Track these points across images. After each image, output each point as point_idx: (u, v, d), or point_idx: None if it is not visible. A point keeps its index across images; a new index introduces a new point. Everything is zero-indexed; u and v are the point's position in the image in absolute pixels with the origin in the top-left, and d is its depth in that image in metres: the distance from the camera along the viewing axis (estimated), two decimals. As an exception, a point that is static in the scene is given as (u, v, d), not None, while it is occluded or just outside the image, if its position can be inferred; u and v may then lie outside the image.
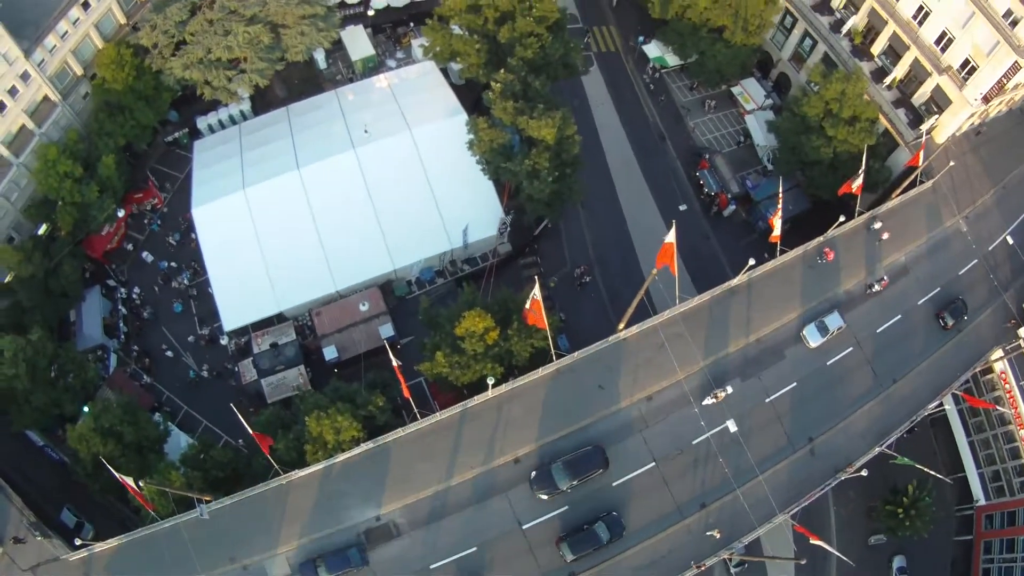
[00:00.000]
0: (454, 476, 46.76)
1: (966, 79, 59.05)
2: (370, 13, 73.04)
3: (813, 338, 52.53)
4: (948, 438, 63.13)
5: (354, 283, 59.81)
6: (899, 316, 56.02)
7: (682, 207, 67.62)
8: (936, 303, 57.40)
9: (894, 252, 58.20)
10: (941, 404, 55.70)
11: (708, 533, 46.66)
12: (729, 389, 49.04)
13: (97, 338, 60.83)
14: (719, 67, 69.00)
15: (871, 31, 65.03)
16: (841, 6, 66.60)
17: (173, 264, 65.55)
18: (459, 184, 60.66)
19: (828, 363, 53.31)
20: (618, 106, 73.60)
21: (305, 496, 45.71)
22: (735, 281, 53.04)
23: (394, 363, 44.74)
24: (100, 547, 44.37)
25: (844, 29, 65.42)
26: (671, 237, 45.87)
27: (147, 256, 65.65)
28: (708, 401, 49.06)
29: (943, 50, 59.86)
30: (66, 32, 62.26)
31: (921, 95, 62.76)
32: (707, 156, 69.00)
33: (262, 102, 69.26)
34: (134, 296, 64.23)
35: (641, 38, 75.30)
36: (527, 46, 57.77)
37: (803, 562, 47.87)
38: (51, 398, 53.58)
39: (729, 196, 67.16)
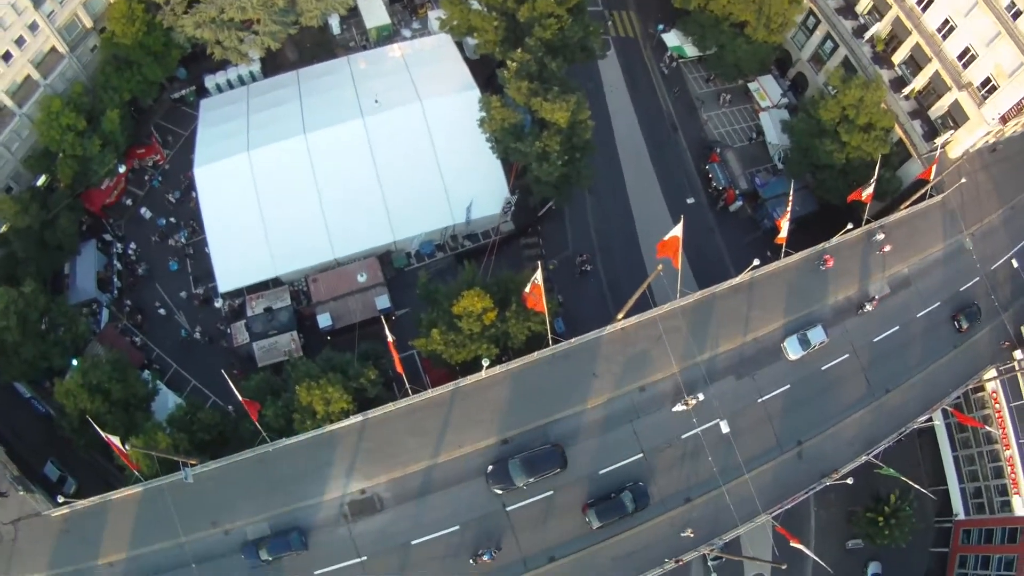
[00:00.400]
0: (441, 454, 46.50)
1: (985, 97, 58.43)
2: (389, -16, 72.29)
3: (793, 350, 51.94)
4: (933, 450, 63.19)
5: (353, 252, 59.31)
6: (897, 327, 55.77)
7: (690, 200, 67.10)
8: (934, 318, 57.11)
9: (898, 263, 57.91)
10: (930, 417, 55.57)
11: (683, 533, 46.55)
12: (701, 396, 48.46)
13: (90, 292, 60.34)
14: (738, 62, 68.25)
15: (893, 39, 64.31)
16: (865, 12, 65.84)
17: (172, 220, 64.97)
18: (466, 160, 59.92)
19: (823, 368, 53.12)
20: (632, 93, 72.81)
21: (291, 464, 45.38)
22: (737, 279, 52.69)
23: (388, 338, 44.36)
24: (82, 504, 44.14)
25: (867, 35, 64.67)
26: (678, 231, 45.49)
27: (145, 212, 64.99)
28: (679, 408, 48.46)
29: (965, 66, 59.18)
30: (77, -17, 61.52)
31: (938, 109, 62.14)
32: (718, 150, 68.39)
33: (272, 64, 68.50)
34: (130, 252, 63.65)
35: (661, 26, 74.54)
36: (546, 26, 56.87)
37: (784, 567, 47.76)
38: (40, 351, 53.24)
39: (737, 192, 66.60)
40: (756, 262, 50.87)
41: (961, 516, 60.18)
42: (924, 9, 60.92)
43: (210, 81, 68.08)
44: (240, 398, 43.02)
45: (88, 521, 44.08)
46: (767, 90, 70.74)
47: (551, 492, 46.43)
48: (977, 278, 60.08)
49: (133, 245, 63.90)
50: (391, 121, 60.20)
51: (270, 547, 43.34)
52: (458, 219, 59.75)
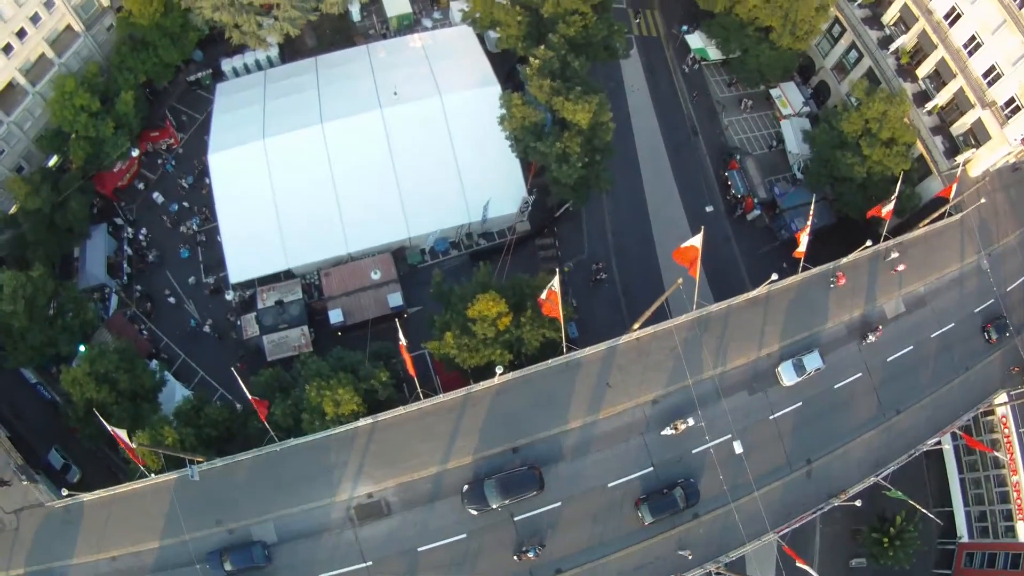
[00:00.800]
0: (451, 460, 45.96)
1: (1009, 117, 57.81)
2: (413, -30, 71.07)
3: (788, 376, 50.56)
4: (940, 470, 63.10)
5: (367, 247, 58.70)
6: (911, 347, 55.28)
7: (709, 208, 66.44)
8: (945, 339, 56.58)
9: (914, 281, 57.32)
10: (939, 440, 55.33)
11: (679, 552, 46.13)
12: (691, 421, 47.60)
13: (100, 277, 59.83)
14: (761, 67, 67.27)
15: (919, 52, 63.53)
16: (892, 23, 64.99)
17: (185, 204, 64.29)
18: (484, 157, 59.15)
19: (835, 386, 52.62)
20: (653, 94, 71.91)
21: (298, 465, 44.85)
22: (755, 292, 52.12)
23: (401, 341, 43.80)
24: (86, 497, 43.68)
25: (892, 47, 63.83)
26: (698, 241, 44.83)
27: (157, 197, 64.23)
28: (667, 432, 47.68)
29: (990, 84, 58.50)
30: (95, -39, 60.57)
31: (961, 126, 61.50)
32: (738, 157, 67.60)
33: (290, 49, 67.52)
34: (141, 237, 62.92)
35: (685, 27, 73.60)
36: (570, 23, 56.06)
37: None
38: (48, 337, 52.81)
39: (755, 200, 65.91)
40: (774, 276, 50.33)
41: (965, 539, 60.14)
42: (951, 24, 60.26)
43: (227, 65, 67.13)
44: (249, 396, 42.53)
45: (91, 513, 43.66)
46: (789, 97, 69.81)
47: (559, 503, 45.94)
48: (992, 300, 59.54)
49: (144, 231, 63.18)
50: (410, 114, 59.44)
51: (232, 558, 42.63)
52: (474, 217, 59.02)
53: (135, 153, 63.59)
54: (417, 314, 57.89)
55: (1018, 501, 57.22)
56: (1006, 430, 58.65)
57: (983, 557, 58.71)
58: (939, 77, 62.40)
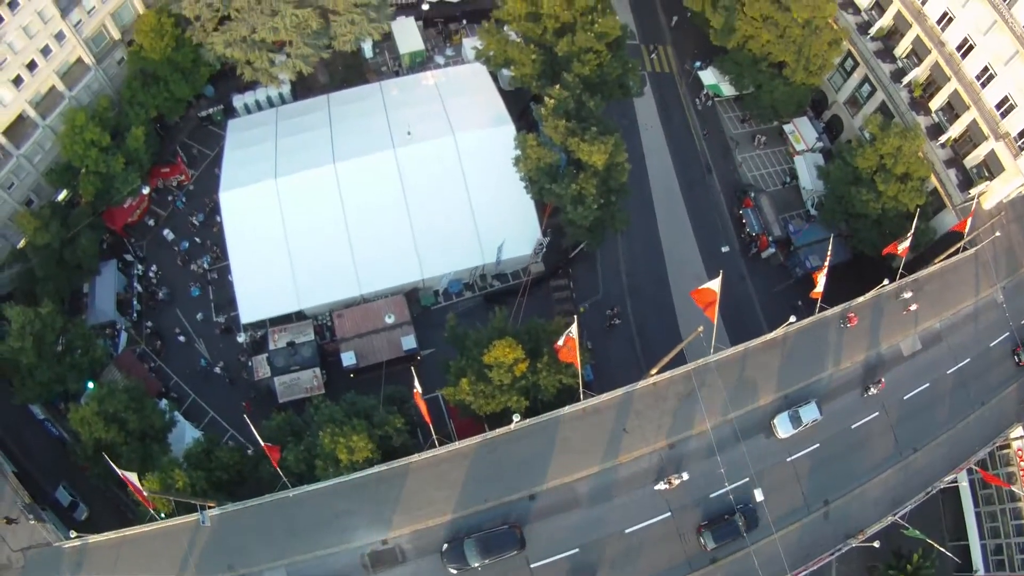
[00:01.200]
0: (467, 507, 45.18)
1: (1023, 148, 57.49)
2: (425, 7, 70.79)
3: (784, 428, 49.47)
4: (955, 503, 62.37)
5: (380, 288, 58.20)
6: (928, 384, 54.77)
7: (725, 249, 66.02)
8: (961, 375, 55.95)
9: (930, 318, 56.75)
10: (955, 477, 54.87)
11: None
12: (685, 476, 46.77)
13: (109, 314, 59.42)
14: (775, 103, 67.07)
15: (931, 85, 63.39)
16: (904, 55, 64.85)
17: (197, 240, 63.95)
18: (498, 197, 58.80)
19: (853, 426, 52.02)
20: (667, 131, 71.73)
21: (311, 511, 44.13)
22: (771, 335, 51.68)
23: (415, 389, 43.33)
24: (94, 539, 42.97)
25: (905, 80, 63.65)
26: (716, 285, 44.62)
27: (168, 234, 63.86)
28: (661, 486, 46.82)
29: (1003, 115, 58.31)
30: (107, -6, 60.33)
31: (974, 158, 61.26)
32: (752, 195, 67.19)
33: (302, 86, 67.17)
34: (151, 274, 62.52)
35: (697, 63, 73.47)
36: (585, 62, 55.83)
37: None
38: (56, 374, 52.46)
39: (770, 238, 65.45)
40: (792, 319, 49.90)
41: (981, 572, 59.24)
42: (964, 55, 60.16)
43: (238, 101, 66.98)
44: (261, 443, 42.02)
45: (100, 555, 42.93)
46: (802, 133, 69.53)
47: (576, 550, 45.23)
48: (1007, 333, 59.03)
49: (154, 268, 62.80)
50: (423, 154, 59.17)
51: None
52: (488, 259, 58.49)
53: (146, 191, 63.27)
54: (430, 356, 57.40)
55: (1034, 533, 56.73)
56: (1022, 463, 57.91)
57: (999, 591, 58.07)
58: (952, 109, 62.20)
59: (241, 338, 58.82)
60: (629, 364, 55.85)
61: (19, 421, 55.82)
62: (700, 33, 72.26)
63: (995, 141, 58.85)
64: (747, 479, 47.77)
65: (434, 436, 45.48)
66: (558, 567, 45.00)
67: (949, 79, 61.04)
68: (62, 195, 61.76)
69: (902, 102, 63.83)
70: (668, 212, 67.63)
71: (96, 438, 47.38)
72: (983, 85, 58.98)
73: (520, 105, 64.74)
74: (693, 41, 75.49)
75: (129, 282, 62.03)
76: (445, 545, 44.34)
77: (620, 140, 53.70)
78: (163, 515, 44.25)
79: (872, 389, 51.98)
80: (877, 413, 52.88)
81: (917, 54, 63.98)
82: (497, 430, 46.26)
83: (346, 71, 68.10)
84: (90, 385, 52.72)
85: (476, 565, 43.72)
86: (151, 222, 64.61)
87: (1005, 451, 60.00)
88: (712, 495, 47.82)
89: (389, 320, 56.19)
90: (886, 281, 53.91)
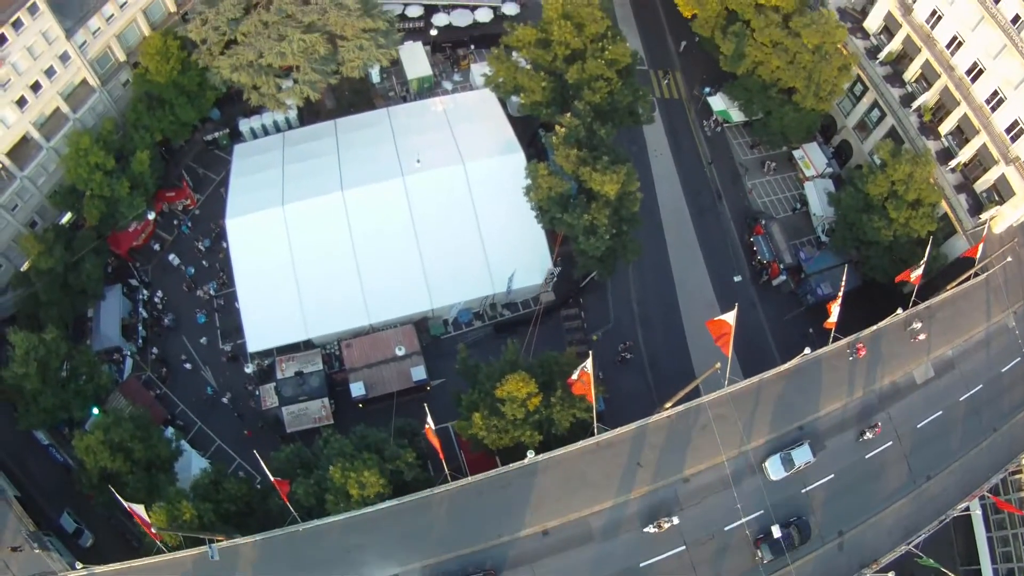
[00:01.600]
0: (479, 542, 44.65)
1: (1033, 173, 57.40)
2: (433, 33, 70.39)
3: (775, 471, 48.51)
4: (967, 528, 61.84)
5: (389, 318, 57.61)
6: (940, 412, 54.40)
7: (737, 278, 65.47)
8: (973, 402, 55.37)
9: (942, 345, 56.31)
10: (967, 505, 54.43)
11: None
12: (675, 520, 46.12)
13: (114, 339, 58.71)
14: (784, 129, 66.75)
15: (941, 109, 63.19)
16: (913, 80, 64.68)
17: (204, 263, 63.39)
18: (508, 226, 58.28)
19: (867, 456, 51.57)
20: (676, 158, 71.33)
21: (321, 545, 43.62)
22: (785, 367, 51.26)
23: (427, 424, 42.74)
24: (100, 570, 42.24)
25: (915, 104, 63.45)
26: (731, 318, 44.37)
27: (173, 259, 63.30)
28: (650, 529, 46.08)
29: (1013, 140, 58.15)
30: (112, 15, 60.21)
31: (984, 182, 61.03)
32: (763, 222, 66.73)
33: (309, 111, 66.59)
34: (156, 300, 61.87)
35: (707, 89, 73.15)
36: (595, 90, 55.55)
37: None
38: (60, 400, 51.86)
39: (781, 266, 64.91)
40: (807, 351, 49.49)
41: (993, 597, 58.82)
42: (974, 80, 59.94)
43: (244, 125, 66.45)
44: (270, 477, 41.46)
45: (103, 588, 42.25)
46: (812, 159, 69.23)
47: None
48: (1019, 358, 58.69)
49: (160, 293, 62.19)
50: (432, 182, 58.65)
51: None
52: (499, 289, 57.99)
53: (151, 216, 62.71)
54: (440, 386, 56.93)
55: (1046, 558, 56.29)
56: (1034, 488, 57.75)
57: (1011, 614, 57.59)
58: (962, 133, 62.08)
59: (249, 369, 58.12)
60: (641, 394, 55.30)
61: (23, 446, 55.07)
62: (709, 58, 72.05)
63: (1005, 165, 58.65)
64: (762, 511, 47.36)
65: (447, 472, 44.82)
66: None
67: (959, 103, 60.88)
68: (66, 218, 61.29)
69: (912, 127, 63.58)
70: (678, 239, 67.25)
71: (101, 467, 46.95)
72: (993, 109, 58.85)
73: (529, 132, 64.28)
74: (702, 66, 75.27)
75: (134, 307, 61.34)
76: None
77: (632, 169, 53.39)
78: (171, 548, 43.55)
79: (868, 433, 50.81)
80: (891, 443, 52.45)
81: (926, 79, 63.82)
82: (511, 465, 45.81)
83: (353, 96, 67.57)
84: (95, 411, 52.22)
85: None
86: (156, 246, 64.03)
87: (1017, 476, 59.62)
88: (727, 528, 47.34)
89: (400, 352, 55.59)
90: (900, 310, 53.50)
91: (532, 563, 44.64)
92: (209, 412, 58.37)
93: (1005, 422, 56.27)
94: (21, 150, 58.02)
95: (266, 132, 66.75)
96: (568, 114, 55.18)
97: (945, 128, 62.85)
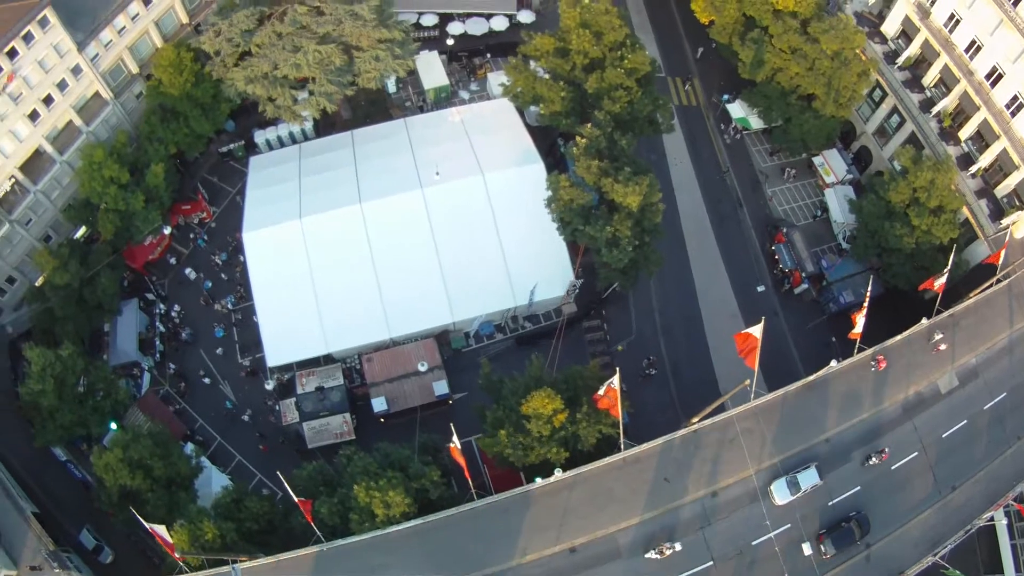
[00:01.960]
0: (506, 561, 44.29)
1: (1056, 178, 56.99)
2: (449, 42, 69.94)
3: (781, 495, 47.57)
4: (990, 536, 61.17)
5: (409, 331, 57.09)
6: (965, 421, 53.84)
7: (760, 288, 64.80)
8: (997, 410, 54.58)
9: (966, 354, 55.67)
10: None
11: None
12: (678, 547, 45.40)
13: (131, 354, 58.40)
14: (804, 136, 66.05)
15: (960, 114, 62.53)
16: (932, 84, 64.07)
17: (223, 276, 62.92)
18: (529, 238, 57.72)
19: (893, 468, 51.10)
20: (696, 166, 70.71)
21: (346, 565, 43.30)
22: (811, 378, 50.78)
23: (453, 444, 42.28)
24: (120, 590, 42.33)
25: (934, 110, 62.82)
26: (757, 331, 43.98)
27: (190, 273, 62.83)
28: (652, 555, 45.34)
29: (1034, 144, 57.67)
30: (124, 27, 59.62)
31: (1004, 187, 60.29)
32: (784, 230, 66.07)
33: (325, 122, 65.93)
34: (173, 314, 61.40)
35: (725, 96, 72.47)
36: (615, 99, 55.02)
37: None
38: (78, 417, 51.52)
39: (803, 274, 64.23)
40: (833, 364, 49.04)
41: (1018, 605, 58.41)
42: (993, 84, 59.29)
43: (260, 136, 65.94)
44: (295, 498, 41.12)
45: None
46: (832, 165, 68.51)
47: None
48: (1041, 366, 58.20)
49: (177, 307, 61.71)
50: (451, 194, 58.11)
51: None
52: (520, 301, 57.44)
53: (167, 231, 62.26)
54: (462, 400, 56.49)
55: (1071, 566, 55.71)
56: (1058, 496, 57.04)
57: (1035, 622, 57.02)
58: (982, 138, 61.41)
59: (270, 385, 57.65)
60: (664, 406, 54.78)
61: (41, 462, 54.68)
62: (727, 65, 71.32)
63: (1027, 171, 58.20)
64: (788, 525, 46.91)
65: (472, 490, 44.40)
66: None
67: (979, 108, 60.22)
68: (80, 232, 60.96)
69: (932, 132, 62.96)
70: (699, 248, 66.63)
71: (121, 484, 46.61)
72: (1013, 114, 58.19)
73: (547, 141, 63.73)
74: (719, 72, 74.68)
75: (151, 321, 60.97)
76: None
77: (654, 180, 52.86)
78: (192, 567, 43.23)
79: (874, 458, 49.91)
80: (916, 453, 52.00)
81: (945, 83, 63.19)
82: (537, 482, 45.45)
83: (369, 106, 66.91)
84: (112, 426, 51.94)
85: None
86: (172, 260, 63.60)
87: (1041, 485, 59.05)
88: (755, 542, 46.92)
89: (422, 368, 55.03)
90: (924, 320, 52.97)
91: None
92: (228, 427, 57.90)
93: (1024, 433, 55.93)
94: (34, 164, 57.59)
95: (282, 143, 66.24)
96: (588, 124, 54.64)
97: (965, 133, 62.22)
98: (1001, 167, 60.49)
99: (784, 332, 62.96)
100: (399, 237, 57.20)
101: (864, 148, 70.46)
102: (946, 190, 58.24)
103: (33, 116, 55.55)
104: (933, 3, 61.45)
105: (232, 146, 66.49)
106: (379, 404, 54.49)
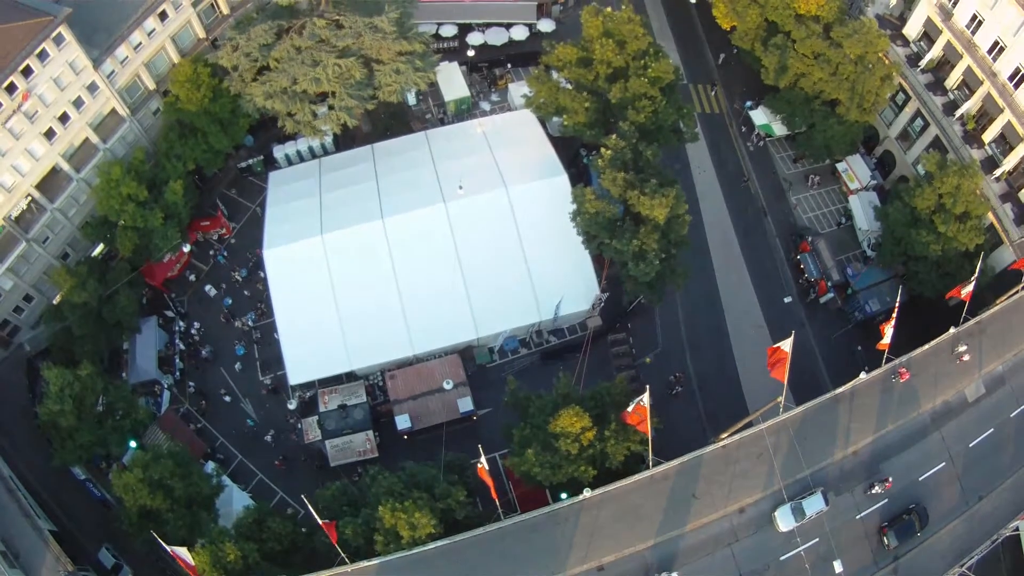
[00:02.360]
0: (534, 581, 44.10)
1: (1080, 181, 56.18)
2: (470, 53, 69.37)
3: (785, 522, 46.58)
4: (1014, 545, 60.50)
5: (433, 348, 56.54)
6: (992, 429, 53.12)
7: (787, 299, 63.96)
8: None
9: (993, 361, 54.80)
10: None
11: None
12: None
13: (151, 372, 58.12)
14: (828, 142, 65.04)
15: (984, 116, 61.69)
16: (955, 87, 63.23)
17: (245, 293, 62.54)
18: (554, 251, 57.00)
19: (920, 479, 50.52)
20: (720, 174, 69.86)
21: (368, 586, 43.03)
22: (840, 390, 50.17)
23: (480, 464, 41.88)
24: (140, 612, 42.07)
25: (958, 113, 61.97)
26: (788, 345, 43.59)
27: (210, 290, 62.46)
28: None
29: (1058, 147, 56.91)
30: (140, 43, 59.26)
31: (1030, 191, 59.70)
32: (809, 239, 65.23)
33: (345, 136, 65.05)
34: (193, 332, 61.03)
35: (748, 103, 71.52)
36: (640, 109, 54.30)
37: None
38: (97, 436, 51.14)
39: (829, 283, 63.38)
40: (863, 375, 48.40)
41: (1042, 616, 57.66)
42: (1017, 85, 58.32)
43: (279, 151, 65.45)
44: (319, 521, 40.74)
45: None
46: (856, 171, 67.51)
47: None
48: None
49: (197, 325, 61.29)
50: (474, 207, 57.48)
51: None
52: (545, 316, 56.75)
53: (186, 247, 61.83)
54: (486, 416, 55.93)
55: (1096, 575, 54.90)
56: (1082, 504, 56.27)
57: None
58: (1006, 141, 60.43)
59: (292, 404, 57.24)
60: (691, 420, 54.07)
61: (60, 481, 54.53)
62: (748, 71, 70.49)
63: (1050, 174, 57.47)
64: (817, 539, 46.35)
65: (499, 510, 44.02)
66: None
67: (1002, 110, 59.28)
68: (98, 249, 60.61)
69: (955, 136, 62.08)
70: (724, 259, 65.81)
71: (141, 504, 46.30)
72: (1037, 117, 57.56)
73: (570, 152, 63.03)
74: (741, 79, 73.75)
75: (171, 339, 60.62)
76: None
77: (680, 192, 52.12)
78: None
79: (876, 487, 48.77)
80: (944, 463, 51.37)
81: (968, 85, 62.29)
82: (564, 501, 45.01)
83: (389, 119, 66.22)
84: (132, 444, 51.62)
85: None
86: (192, 277, 63.20)
87: (1063, 490, 58.26)
88: (783, 557, 46.40)
89: (448, 387, 54.51)
90: (952, 328, 52.27)
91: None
92: (250, 445, 57.50)
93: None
94: (51, 182, 57.39)
95: (301, 158, 65.75)
96: (613, 136, 53.96)
97: (989, 136, 61.34)
98: (1025, 171, 59.74)
99: (811, 342, 62.09)
100: (422, 252, 56.67)
101: (887, 153, 69.53)
102: (972, 195, 57.39)
103: (49, 134, 55.31)
104: (955, 4, 60.46)
105: (251, 161, 66.03)
106: (403, 422, 53.97)
